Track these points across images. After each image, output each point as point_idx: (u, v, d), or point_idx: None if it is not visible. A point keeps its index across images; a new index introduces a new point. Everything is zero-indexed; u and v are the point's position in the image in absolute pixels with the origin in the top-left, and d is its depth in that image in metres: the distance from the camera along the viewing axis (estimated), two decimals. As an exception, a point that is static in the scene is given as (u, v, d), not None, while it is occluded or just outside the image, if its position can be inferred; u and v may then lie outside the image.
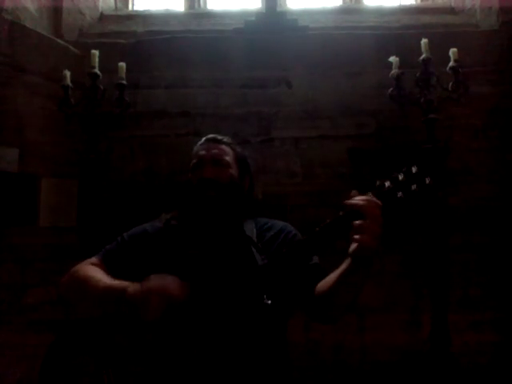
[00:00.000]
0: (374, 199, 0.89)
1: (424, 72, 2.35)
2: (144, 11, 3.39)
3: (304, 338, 2.39)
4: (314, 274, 1.09)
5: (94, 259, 1.19)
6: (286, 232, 1.20)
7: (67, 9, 2.99)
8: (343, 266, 0.97)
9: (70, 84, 2.40)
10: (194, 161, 1.21)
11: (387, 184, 0.92)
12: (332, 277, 1.02)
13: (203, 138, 1.28)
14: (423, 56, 2.34)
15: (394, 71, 2.39)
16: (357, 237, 0.87)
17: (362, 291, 0.99)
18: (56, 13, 2.93)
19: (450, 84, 2.32)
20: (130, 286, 0.99)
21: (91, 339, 1.04)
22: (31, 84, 2.50)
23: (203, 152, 1.20)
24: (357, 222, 0.87)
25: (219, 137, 1.26)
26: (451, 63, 2.31)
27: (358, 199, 0.89)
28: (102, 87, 2.42)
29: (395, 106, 2.45)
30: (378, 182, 0.93)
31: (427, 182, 0.91)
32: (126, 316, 1.00)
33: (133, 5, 3.51)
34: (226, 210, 1.15)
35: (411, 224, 2.47)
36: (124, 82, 2.45)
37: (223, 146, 1.22)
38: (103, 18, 3.27)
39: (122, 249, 1.19)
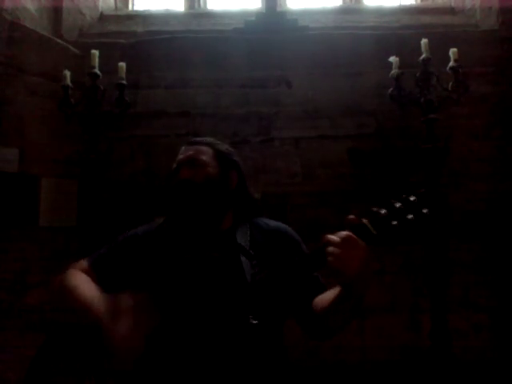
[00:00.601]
0: (350, 235, 0.88)
1: (424, 72, 2.35)
2: (144, 11, 3.39)
3: (304, 338, 2.39)
4: (311, 289, 1.08)
5: (84, 264, 1.20)
6: (282, 235, 1.18)
7: (67, 9, 3.00)
8: (335, 291, 0.96)
9: (70, 84, 2.40)
10: (174, 165, 1.22)
11: (383, 211, 0.90)
12: (326, 298, 1.01)
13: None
14: (423, 56, 2.34)
15: (394, 71, 2.40)
16: (329, 258, 0.88)
17: (356, 314, 0.99)
18: (56, 13, 2.94)
19: (450, 84, 2.32)
20: (105, 317, 0.99)
21: (79, 343, 1.05)
22: (31, 84, 2.50)
23: (181, 156, 1.21)
24: (329, 248, 0.88)
25: (198, 139, 1.28)
26: (451, 63, 2.31)
27: (336, 236, 0.89)
28: (102, 87, 2.42)
29: (395, 106, 2.45)
30: (374, 209, 0.91)
31: (424, 212, 0.89)
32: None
33: (133, 5, 3.52)
34: (207, 207, 1.15)
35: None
36: (124, 81, 2.45)
37: (201, 147, 1.23)
38: (103, 17, 3.27)
39: (112, 254, 1.20)
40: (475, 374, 2.30)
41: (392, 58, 2.40)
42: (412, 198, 0.90)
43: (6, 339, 2.29)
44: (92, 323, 1.01)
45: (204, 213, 1.15)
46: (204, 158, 1.19)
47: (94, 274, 1.16)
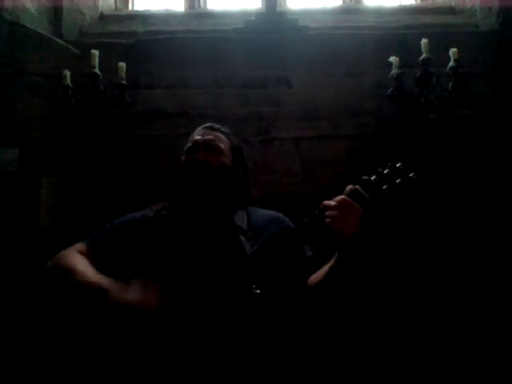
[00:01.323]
0: (345, 198, 0.96)
1: (424, 72, 2.35)
2: (144, 11, 3.39)
3: (304, 337, 2.39)
4: (306, 267, 1.11)
5: (81, 246, 1.19)
6: (278, 222, 1.21)
7: (67, 9, 3.00)
8: (332, 260, 1.01)
9: (70, 84, 2.40)
10: (189, 144, 1.23)
11: (373, 178, 0.98)
12: (322, 271, 1.05)
13: (200, 126, 1.31)
14: (423, 56, 2.34)
15: (394, 71, 2.40)
16: (327, 220, 0.95)
17: (353, 286, 1.02)
18: (56, 13, 2.94)
19: (450, 84, 2.33)
20: (113, 289, 1.00)
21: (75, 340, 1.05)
22: (31, 84, 2.50)
23: (198, 137, 1.22)
24: (327, 212, 0.96)
25: (216, 125, 1.29)
26: (451, 63, 2.31)
27: (333, 200, 0.97)
28: (102, 87, 2.43)
29: (395, 106, 2.45)
30: (364, 177, 0.99)
31: (411, 176, 0.96)
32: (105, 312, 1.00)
33: (133, 5, 3.52)
34: (215, 194, 1.16)
35: (412, 223, 2.48)
36: (124, 82, 2.45)
37: (219, 134, 1.24)
38: (103, 18, 3.27)
39: (109, 237, 1.19)
40: (475, 374, 2.30)
41: (392, 58, 2.41)
42: (398, 165, 0.98)
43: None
44: (97, 296, 1.00)
45: (211, 199, 1.16)
46: (221, 145, 1.22)
47: (90, 255, 1.16)
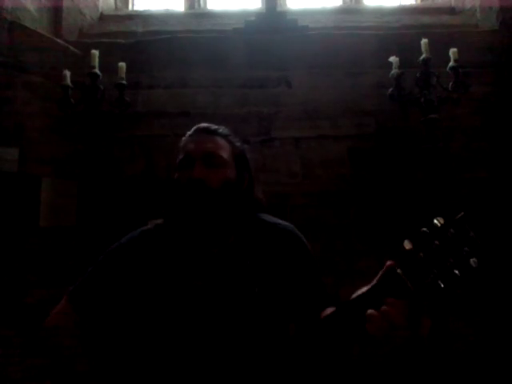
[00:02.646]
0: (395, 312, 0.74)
1: (424, 72, 2.35)
2: (144, 11, 3.40)
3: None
4: (319, 302, 1.00)
5: (66, 306, 1.06)
6: (290, 239, 1.05)
7: (67, 9, 3.00)
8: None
9: (70, 84, 2.40)
10: (181, 156, 1.00)
11: (421, 262, 0.72)
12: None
13: (193, 128, 1.08)
14: (423, 56, 2.34)
15: (394, 71, 2.40)
16: (372, 330, 0.76)
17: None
18: (56, 13, 2.95)
19: (450, 84, 2.33)
20: None
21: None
22: (31, 84, 2.50)
23: (192, 146, 1.00)
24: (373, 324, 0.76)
25: (213, 127, 1.06)
26: (451, 63, 2.32)
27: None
28: (101, 87, 2.43)
29: (395, 106, 2.46)
30: (407, 245, 0.74)
31: (473, 264, 0.69)
32: None
33: (133, 5, 3.52)
34: (219, 217, 0.97)
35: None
36: (124, 82, 2.45)
37: (218, 139, 1.03)
38: (103, 17, 3.28)
39: (94, 279, 1.02)
40: (474, 373, 2.30)
41: (392, 58, 2.41)
42: (452, 232, 0.70)
43: (7, 339, 2.29)
44: None
45: (214, 224, 0.97)
46: (224, 155, 1.01)
47: (76, 315, 1.03)
